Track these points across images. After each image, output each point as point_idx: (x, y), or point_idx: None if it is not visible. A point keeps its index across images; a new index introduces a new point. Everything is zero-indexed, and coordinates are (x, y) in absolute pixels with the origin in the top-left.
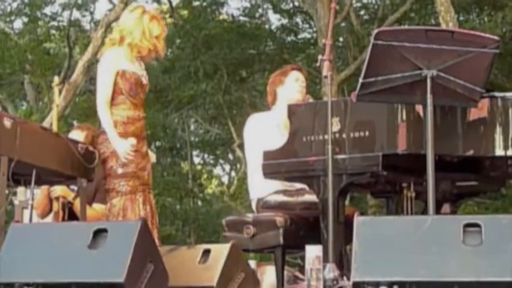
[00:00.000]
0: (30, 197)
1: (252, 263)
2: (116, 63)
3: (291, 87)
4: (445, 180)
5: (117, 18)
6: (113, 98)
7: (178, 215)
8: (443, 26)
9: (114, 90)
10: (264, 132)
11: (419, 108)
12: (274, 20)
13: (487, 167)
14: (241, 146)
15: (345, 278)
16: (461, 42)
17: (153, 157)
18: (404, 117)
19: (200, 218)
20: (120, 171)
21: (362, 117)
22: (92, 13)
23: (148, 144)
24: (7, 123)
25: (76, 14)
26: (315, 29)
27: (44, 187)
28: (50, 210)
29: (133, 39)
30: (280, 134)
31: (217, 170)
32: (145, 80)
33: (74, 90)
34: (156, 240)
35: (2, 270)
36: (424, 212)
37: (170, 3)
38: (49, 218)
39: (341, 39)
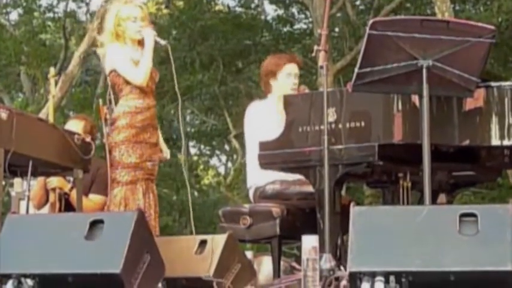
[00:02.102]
0: (26, 188)
1: (249, 254)
2: (124, 52)
3: (282, 84)
4: (441, 170)
5: None
6: (120, 90)
7: (174, 206)
8: (439, 16)
9: (122, 81)
10: (264, 120)
11: (415, 98)
12: (270, 10)
13: (483, 156)
14: (237, 137)
15: (342, 267)
16: (457, 32)
17: (167, 153)
18: (400, 107)
19: (196, 208)
20: (122, 161)
21: (358, 108)
22: (87, 4)
23: None
24: (3, 114)
25: (72, 5)
26: (310, 19)
27: (41, 178)
28: (47, 201)
29: (115, 30)
30: (278, 121)
31: (214, 161)
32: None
33: (70, 82)
34: (157, 230)
35: None
36: (420, 202)
37: None
38: (45, 209)
39: (337, 29)
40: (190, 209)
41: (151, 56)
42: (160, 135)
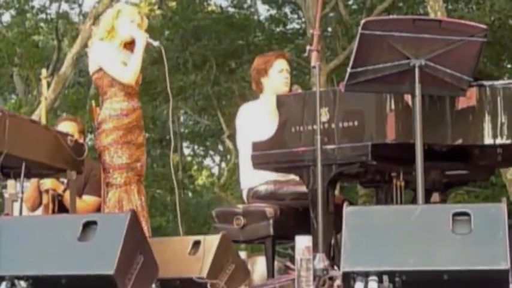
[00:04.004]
0: (20, 190)
1: (243, 254)
2: (111, 51)
3: (275, 80)
4: (434, 170)
5: (105, 10)
6: (104, 92)
7: (168, 207)
8: (432, 16)
9: (106, 83)
10: (256, 121)
11: (407, 97)
12: (263, 10)
13: (476, 155)
14: (230, 137)
15: (335, 267)
16: (449, 31)
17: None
18: (392, 106)
19: (191, 209)
20: (113, 163)
21: (351, 107)
22: (80, 5)
23: None
24: None
25: (64, 6)
26: (303, 19)
27: (34, 180)
28: (40, 203)
29: (112, 22)
30: (271, 121)
31: (207, 161)
32: None
33: (63, 83)
34: (146, 232)
35: None
36: (414, 201)
37: None
38: (39, 211)
39: (330, 29)
40: (178, 211)
41: (141, 56)
42: None
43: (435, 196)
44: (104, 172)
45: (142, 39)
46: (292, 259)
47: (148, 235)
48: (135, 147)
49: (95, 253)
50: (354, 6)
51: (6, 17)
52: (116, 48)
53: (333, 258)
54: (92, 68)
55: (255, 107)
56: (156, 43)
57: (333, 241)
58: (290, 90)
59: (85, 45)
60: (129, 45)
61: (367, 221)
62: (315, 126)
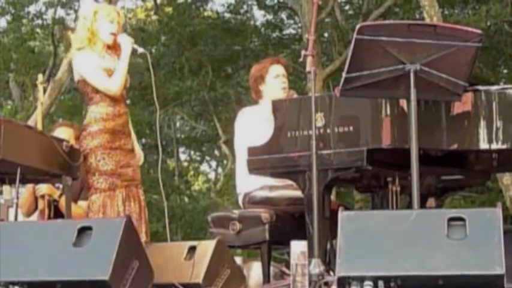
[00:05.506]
0: (15, 196)
1: (239, 259)
2: (93, 60)
3: (272, 86)
4: (429, 174)
5: None
6: (90, 98)
7: (165, 212)
8: (428, 21)
9: (91, 89)
10: (254, 126)
11: (403, 102)
12: (259, 16)
13: (472, 160)
14: (227, 142)
15: (331, 272)
16: (444, 36)
17: (141, 156)
18: (388, 111)
19: (187, 214)
20: (99, 168)
21: (346, 112)
22: (76, 11)
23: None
24: None
25: (60, 12)
26: (299, 24)
27: (29, 185)
28: (36, 208)
29: (91, 27)
30: (269, 127)
31: (204, 167)
32: None
33: (59, 88)
34: (145, 236)
35: None
36: (409, 206)
37: (155, 0)
38: (35, 217)
39: (326, 34)
40: (166, 218)
41: (127, 64)
42: (135, 139)
43: (431, 201)
44: (88, 175)
45: (128, 46)
46: (287, 264)
47: (146, 239)
48: (124, 153)
49: (90, 258)
50: (350, 12)
51: (2, 23)
52: (98, 54)
53: (329, 263)
54: (76, 77)
55: (253, 112)
56: (141, 49)
57: (328, 246)
58: (287, 94)
59: None
60: (112, 46)
61: (362, 225)
62: (310, 131)
